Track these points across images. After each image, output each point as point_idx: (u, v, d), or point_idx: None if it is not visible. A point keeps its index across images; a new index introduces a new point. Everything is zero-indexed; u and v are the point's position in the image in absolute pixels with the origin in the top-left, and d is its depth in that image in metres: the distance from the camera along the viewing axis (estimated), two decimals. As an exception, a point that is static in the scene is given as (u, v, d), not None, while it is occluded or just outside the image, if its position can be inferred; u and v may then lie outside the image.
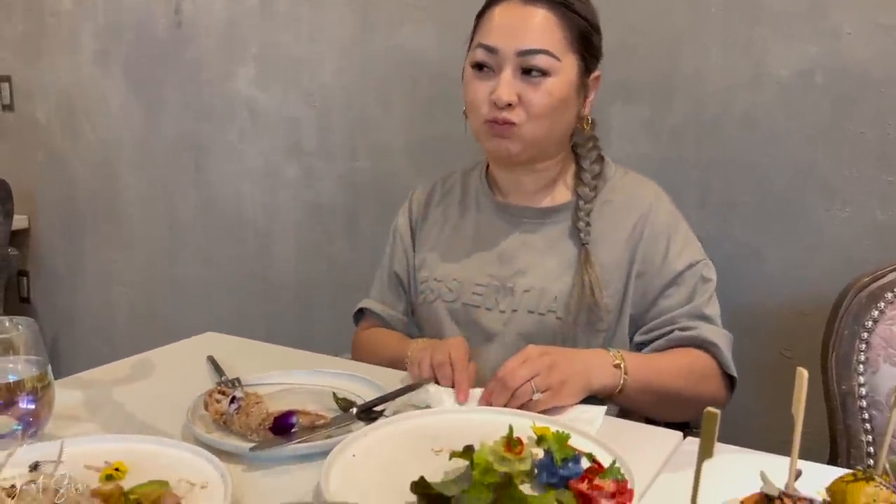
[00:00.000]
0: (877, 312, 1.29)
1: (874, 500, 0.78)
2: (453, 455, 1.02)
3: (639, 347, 1.47)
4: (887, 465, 0.81)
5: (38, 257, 3.43)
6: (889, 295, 1.29)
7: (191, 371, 1.44)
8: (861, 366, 1.30)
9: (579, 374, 1.25)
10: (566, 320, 1.45)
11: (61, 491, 0.81)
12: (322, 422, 1.14)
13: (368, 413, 1.20)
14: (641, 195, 1.53)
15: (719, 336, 1.44)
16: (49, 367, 1.14)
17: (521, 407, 1.20)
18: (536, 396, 1.19)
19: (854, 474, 0.82)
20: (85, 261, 3.30)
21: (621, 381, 1.30)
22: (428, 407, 1.26)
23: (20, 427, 1.11)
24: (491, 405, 1.23)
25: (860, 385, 1.30)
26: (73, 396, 1.31)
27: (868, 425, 1.28)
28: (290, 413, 1.13)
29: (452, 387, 1.30)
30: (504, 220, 1.57)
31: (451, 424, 1.17)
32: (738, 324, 1.58)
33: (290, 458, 1.08)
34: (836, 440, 1.32)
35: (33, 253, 3.43)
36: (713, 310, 1.47)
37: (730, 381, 1.46)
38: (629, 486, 0.93)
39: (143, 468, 1.01)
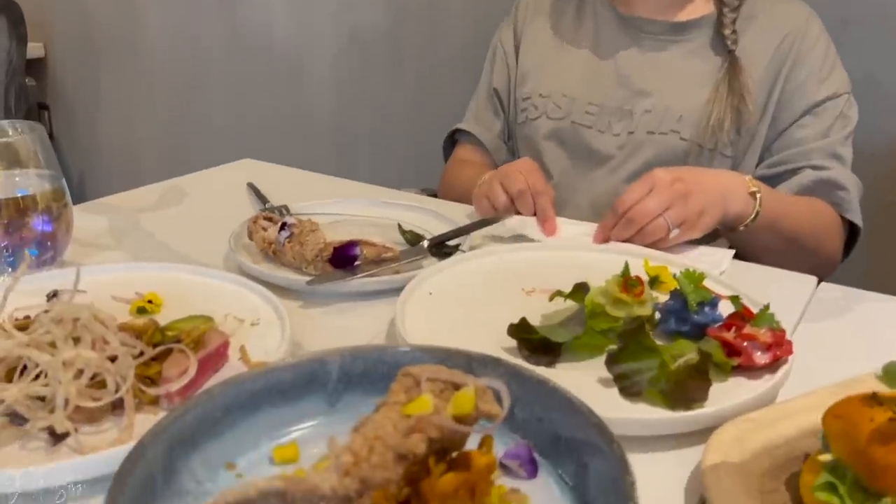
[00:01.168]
0: None
1: None
2: (556, 296, 0.83)
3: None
4: None
5: (57, 90, 3.21)
6: None
7: (228, 199, 1.26)
8: None
9: (716, 202, 1.05)
10: (692, 141, 1.27)
11: (81, 321, 0.64)
12: (389, 255, 0.95)
13: (442, 247, 1.01)
14: (790, 13, 1.31)
15: (851, 182, 1.26)
16: (64, 182, 0.95)
17: (649, 245, 1.02)
18: (674, 233, 0.99)
19: None
20: (106, 94, 3.07)
21: (754, 212, 1.10)
22: (517, 238, 1.07)
23: (35, 252, 0.95)
24: (608, 242, 1.04)
25: None
26: (96, 222, 1.13)
27: None
28: (352, 243, 0.94)
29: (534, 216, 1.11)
30: (627, 35, 1.36)
31: (542, 262, 0.98)
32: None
33: (353, 295, 0.91)
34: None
35: (52, 85, 3.21)
36: (847, 152, 1.28)
37: (848, 237, 1.29)
38: (788, 339, 0.74)
39: (180, 301, 0.84)
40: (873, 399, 0.54)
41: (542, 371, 0.67)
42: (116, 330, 0.66)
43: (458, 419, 0.50)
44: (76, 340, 0.65)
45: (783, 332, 0.74)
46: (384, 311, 0.86)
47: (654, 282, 0.89)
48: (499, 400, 0.54)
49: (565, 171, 1.38)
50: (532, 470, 0.59)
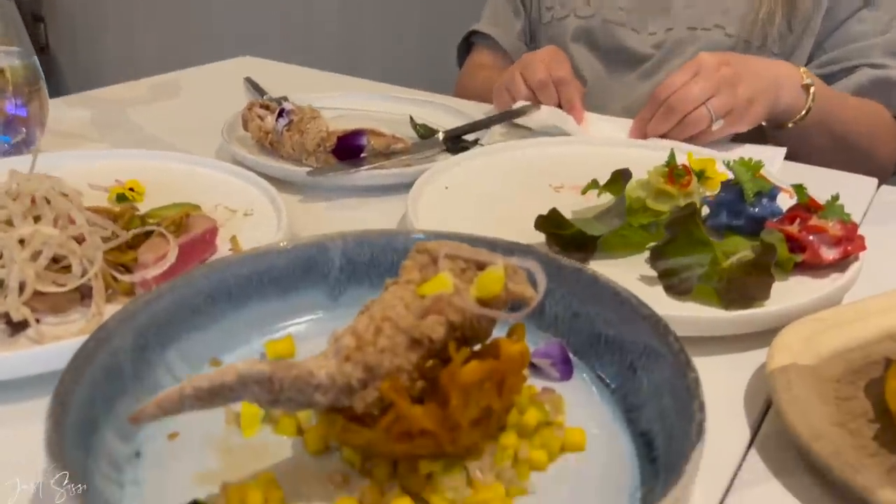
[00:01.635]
0: None
1: None
2: (591, 188, 0.73)
3: None
4: None
5: (53, 0, 3.06)
6: None
7: (224, 93, 1.15)
8: None
9: (767, 90, 0.94)
10: (738, 37, 1.14)
11: (41, 194, 0.55)
12: (400, 146, 0.85)
13: (458, 142, 0.91)
14: None
15: None
16: (36, 60, 0.85)
17: (691, 139, 0.91)
18: (717, 124, 0.88)
19: None
20: (105, 4, 2.92)
21: (806, 106, 0.98)
22: (546, 132, 0.97)
23: (7, 139, 0.85)
24: (646, 136, 0.93)
25: None
26: (80, 115, 1.03)
27: None
28: (358, 133, 0.83)
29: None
30: None
31: (572, 157, 0.88)
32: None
33: (359, 189, 0.81)
34: None
35: (47, -6, 3.06)
36: None
37: None
38: (860, 233, 0.64)
39: (165, 191, 0.74)
40: None
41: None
42: (83, 207, 0.57)
43: (484, 303, 0.41)
44: (37, 220, 0.55)
45: (855, 225, 0.64)
46: (394, 207, 0.77)
47: (701, 177, 0.79)
48: (532, 284, 0.45)
49: (597, 75, 1.26)
50: (566, 370, 0.51)
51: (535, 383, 0.48)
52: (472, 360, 0.38)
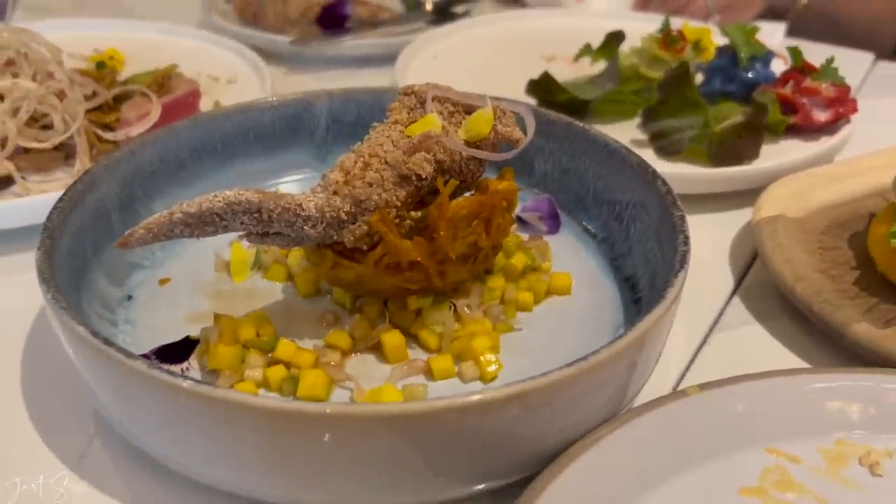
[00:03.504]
0: None
1: None
2: (584, 53, 0.71)
3: None
4: None
5: None
6: None
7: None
8: None
9: None
10: None
11: (19, 49, 0.53)
12: (386, 16, 0.82)
13: (447, 14, 0.88)
14: None
15: None
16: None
17: None
18: (713, 19, 0.86)
19: None
20: None
21: None
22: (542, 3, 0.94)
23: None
24: None
25: None
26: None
27: None
28: (342, 1, 0.81)
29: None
30: None
31: (565, 28, 0.85)
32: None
33: (344, 60, 0.79)
34: None
35: None
36: None
37: None
38: (852, 96, 0.63)
39: (146, 60, 0.71)
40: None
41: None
42: (63, 62, 0.55)
43: (472, 145, 0.41)
44: (15, 76, 0.54)
45: (848, 88, 0.63)
46: (381, 78, 0.75)
47: (696, 47, 0.77)
48: (522, 129, 0.44)
49: None
50: (554, 224, 0.51)
51: (535, 243, 0.48)
52: (461, 197, 0.38)
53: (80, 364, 0.34)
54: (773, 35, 0.90)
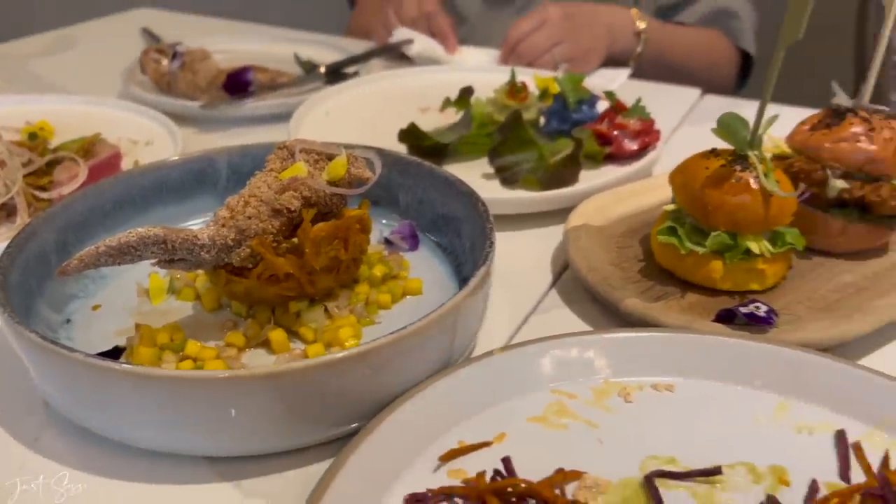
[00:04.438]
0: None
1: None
2: (446, 105, 0.86)
3: (663, 13, 1.30)
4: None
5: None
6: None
7: (122, 44, 1.22)
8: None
9: (602, 38, 1.09)
10: None
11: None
12: (284, 80, 0.96)
13: (339, 74, 1.02)
14: None
15: (745, 10, 1.29)
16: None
17: None
18: (561, 69, 1.02)
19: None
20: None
21: (638, 50, 1.14)
22: (422, 62, 1.09)
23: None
24: None
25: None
26: (-20, 68, 1.09)
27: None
28: (245, 69, 0.94)
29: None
30: None
31: (441, 82, 1.00)
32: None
33: (248, 119, 0.92)
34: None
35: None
36: None
37: (744, 63, 1.33)
38: (656, 128, 0.79)
39: (72, 129, 0.83)
40: (711, 152, 0.60)
41: (429, 170, 0.70)
42: (1, 137, 0.66)
43: (333, 183, 0.54)
44: (-40, 151, 0.65)
45: (652, 121, 0.79)
46: (281, 134, 0.88)
47: (544, 94, 0.93)
48: (372, 170, 0.58)
49: (477, 13, 1.38)
50: (414, 243, 0.64)
51: (394, 256, 0.61)
52: (321, 223, 0.51)
53: (33, 363, 0.45)
54: (616, 79, 1.07)
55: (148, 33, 1.22)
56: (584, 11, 1.12)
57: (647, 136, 0.77)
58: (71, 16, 1.35)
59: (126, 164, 0.76)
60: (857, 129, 0.61)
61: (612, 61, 1.14)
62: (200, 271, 0.55)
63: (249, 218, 0.50)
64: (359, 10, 1.48)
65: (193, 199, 0.66)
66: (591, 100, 0.83)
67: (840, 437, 0.45)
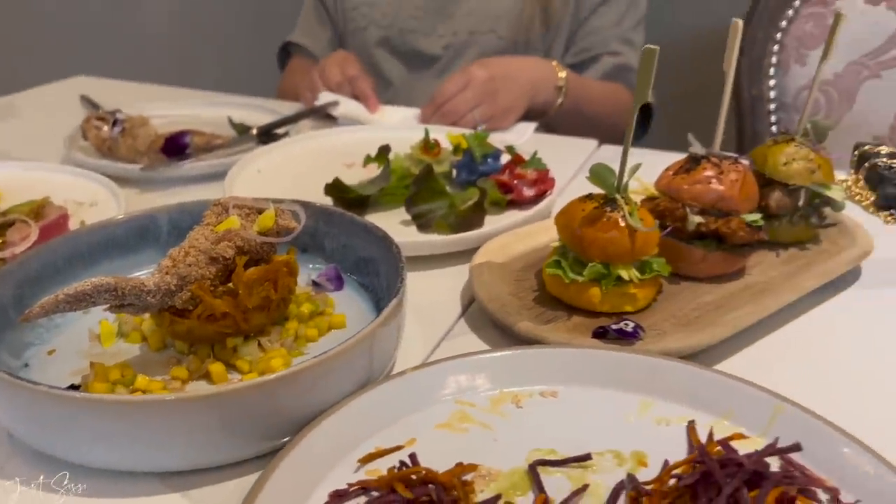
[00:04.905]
0: (791, 12, 1.27)
1: (794, 158, 0.78)
2: (367, 161, 0.96)
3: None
4: (808, 126, 0.81)
5: None
6: (805, -7, 1.26)
7: (63, 110, 1.29)
8: (772, 69, 1.30)
9: (522, 97, 1.21)
10: (508, 39, 1.42)
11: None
12: (219, 142, 1.04)
13: (270, 135, 1.11)
14: None
15: None
16: None
17: None
18: (481, 128, 1.14)
19: (775, 140, 0.82)
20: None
21: (559, 102, 1.27)
22: (348, 122, 1.19)
23: None
24: None
25: (770, 88, 1.31)
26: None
27: (774, 129, 1.31)
28: (182, 133, 1.02)
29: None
30: None
31: (364, 140, 1.10)
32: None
33: (186, 179, 1.00)
34: (744, 146, 1.36)
35: None
36: (638, 37, 1.46)
37: (644, 116, 1.48)
38: (550, 176, 0.91)
39: (20, 193, 0.89)
40: (587, 197, 0.70)
41: (353, 220, 0.79)
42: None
43: (263, 233, 0.63)
44: (-83, 217, 0.71)
45: (547, 171, 0.90)
46: (217, 191, 0.95)
47: (457, 149, 1.04)
48: (297, 221, 0.66)
49: (401, 77, 1.49)
50: (339, 284, 0.73)
51: (320, 295, 0.70)
52: (252, 267, 0.60)
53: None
54: (524, 133, 1.19)
55: (87, 100, 1.29)
56: (509, 70, 1.23)
57: (543, 183, 0.88)
58: (12, 84, 1.41)
59: (73, 224, 0.82)
60: (710, 172, 0.73)
61: (535, 112, 1.25)
62: (147, 315, 0.62)
63: (189, 266, 0.58)
64: (288, 74, 1.58)
65: (137, 254, 0.74)
66: (496, 154, 0.94)
67: (690, 426, 0.55)
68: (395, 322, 0.60)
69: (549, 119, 1.33)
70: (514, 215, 0.87)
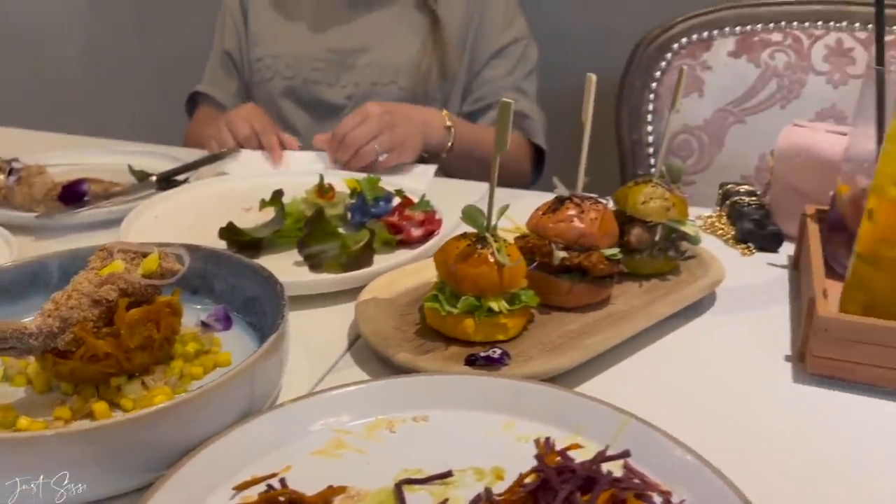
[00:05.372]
0: (664, 63, 1.38)
1: (651, 198, 0.86)
2: (263, 205, 0.99)
3: (468, 119, 1.52)
4: (663, 168, 0.90)
5: None
6: (676, 45, 1.38)
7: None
8: (649, 115, 1.41)
9: (417, 132, 1.28)
10: (409, 90, 1.49)
11: None
12: (118, 189, 1.06)
13: (170, 181, 1.13)
14: None
15: (536, 113, 1.54)
16: None
17: (362, 169, 1.21)
18: (383, 157, 1.19)
19: (636, 181, 0.90)
20: None
21: (450, 142, 1.34)
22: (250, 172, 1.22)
23: None
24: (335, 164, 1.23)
25: (648, 134, 1.42)
26: None
27: (654, 171, 1.42)
28: (80, 181, 1.04)
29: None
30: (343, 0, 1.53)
31: (263, 185, 1.13)
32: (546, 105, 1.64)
33: (83, 226, 1.01)
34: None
35: None
36: (530, 86, 1.56)
37: (538, 159, 1.57)
38: (437, 217, 0.96)
39: None
40: (462, 236, 0.76)
41: (248, 262, 0.82)
42: None
43: (147, 276, 0.65)
44: None
45: (434, 212, 0.96)
46: (113, 238, 0.96)
47: (354, 193, 1.09)
48: (182, 263, 0.69)
49: (307, 126, 1.54)
50: (227, 324, 0.76)
51: (206, 335, 0.73)
52: (134, 308, 0.62)
53: None
54: (426, 175, 1.25)
55: (-16, 149, 1.28)
56: (401, 108, 1.31)
57: (431, 224, 0.94)
58: None
59: (-39, 273, 0.83)
60: (572, 211, 0.80)
61: (430, 152, 1.32)
62: (32, 359, 0.64)
63: (72, 308, 0.60)
64: (195, 123, 1.61)
65: (26, 300, 0.75)
66: (387, 196, 0.99)
67: (547, 441, 0.61)
68: (276, 356, 0.63)
69: (445, 162, 1.39)
70: (403, 254, 0.92)
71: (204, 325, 0.75)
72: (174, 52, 2.32)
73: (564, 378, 0.70)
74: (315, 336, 0.77)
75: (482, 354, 0.69)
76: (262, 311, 0.74)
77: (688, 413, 0.67)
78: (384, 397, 0.64)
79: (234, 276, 0.77)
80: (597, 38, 1.97)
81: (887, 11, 0.82)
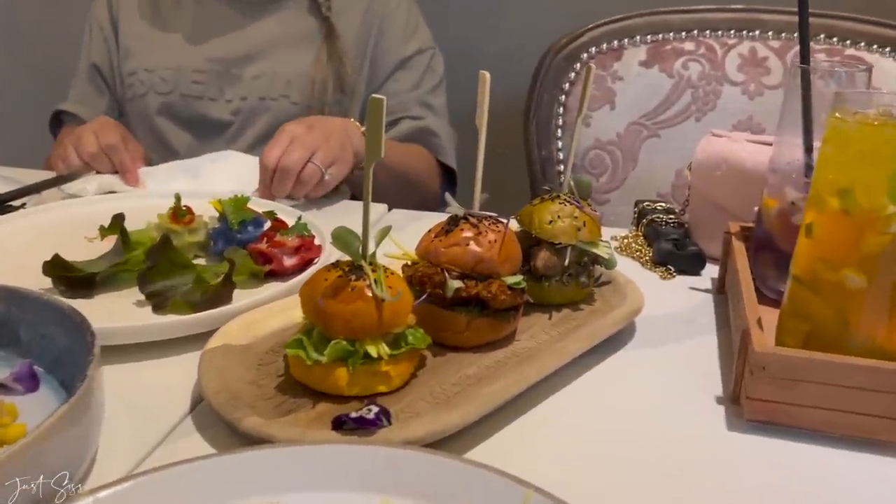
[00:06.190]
0: (573, 74, 1.29)
1: (559, 216, 0.75)
2: (103, 232, 0.83)
3: None
4: (571, 183, 0.79)
5: None
6: (585, 55, 1.29)
7: None
8: (559, 130, 1.32)
9: (347, 141, 1.12)
10: (302, 104, 1.34)
11: None
12: (-68, 217, 0.88)
13: (4, 206, 0.95)
14: None
15: (445, 131, 1.42)
16: None
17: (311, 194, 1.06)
18: (328, 173, 1.02)
19: (541, 198, 0.79)
20: None
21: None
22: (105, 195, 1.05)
23: None
24: (274, 199, 1.04)
25: (558, 149, 1.32)
26: None
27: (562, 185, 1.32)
28: None
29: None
30: (228, 4, 1.38)
31: (115, 210, 0.97)
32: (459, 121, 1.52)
33: None
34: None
35: None
36: (437, 101, 1.43)
37: (450, 177, 1.45)
38: (316, 242, 0.82)
39: None
40: (333, 265, 0.62)
41: (79, 304, 0.66)
42: None
43: None
44: None
45: (313, 237, 0.82)
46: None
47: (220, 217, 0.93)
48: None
49: (189, 145, 1.37)
50: (33, 385, 0.59)
51: (5, 399, 0.56)
52: None
53: None
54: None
55: None
56: (319, 120, 1.15)
57: (308, 251, 0.80)
58: None
59: None
60: (468, 233, 0.67)
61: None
62: None
63: None
64: (58, 144, 1.42)
65: None
66: (257, 220, 0.84)
67: (429, 527, 0.47)
68: (72, 431, 0.48)
69: (359, 178, 1.25)
70: (272, 287, 0.77)
71: (2, 387, 0.59)
72: (45, 65, 2.11)
73: (456, 440, 0.56)
74: (151, 394, 0.62)
75: (353, 415, 0.55)
76: (79, 366, 0.58)
77: (605, 474, 0.55)
78: (223, 480, 0.49)
79: (42, 324, 0.61)
80: (508, 53, 1.88)
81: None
